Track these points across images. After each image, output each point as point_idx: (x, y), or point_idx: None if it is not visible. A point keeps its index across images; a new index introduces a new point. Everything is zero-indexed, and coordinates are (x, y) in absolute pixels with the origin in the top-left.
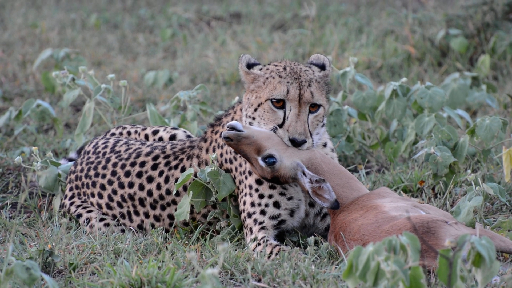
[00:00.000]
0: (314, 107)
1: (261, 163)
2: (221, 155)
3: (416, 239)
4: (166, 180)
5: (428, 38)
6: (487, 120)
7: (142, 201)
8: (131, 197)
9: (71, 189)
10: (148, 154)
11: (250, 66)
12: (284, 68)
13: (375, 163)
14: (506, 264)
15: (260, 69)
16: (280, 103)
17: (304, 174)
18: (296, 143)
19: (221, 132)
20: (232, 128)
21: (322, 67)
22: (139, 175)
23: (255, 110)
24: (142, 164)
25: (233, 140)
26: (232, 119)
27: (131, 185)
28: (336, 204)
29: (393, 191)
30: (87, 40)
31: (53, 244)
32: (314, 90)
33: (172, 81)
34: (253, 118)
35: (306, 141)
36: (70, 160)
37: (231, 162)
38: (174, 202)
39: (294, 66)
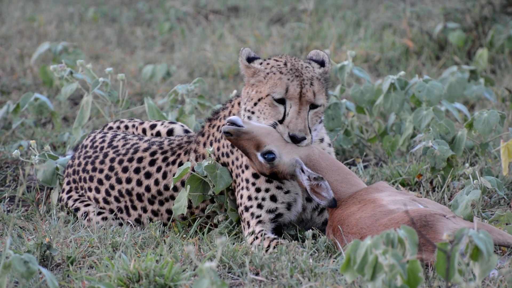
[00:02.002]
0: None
1: (260, 158)
2: (218, 149)
3: (414, 232)
4: (164, 175)
5: (426, 32)
6: (485, 114)
7: (140, 196)
8: (129, 193)
9: (68, 183)
10: (145, 149)
11: (250, 59)
12: (285, 64)
13: (373, 157)
14: (504, 258)
15: (261, 64)
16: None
17: (302, 171)
18: (296, 140)
19: (219, 126)
20: (232, 123)
21: (321, 63)
22: (137, 171)
23: (255, 104)
24: (140, 159)
25: (233, 135)
26: (230, 112)
27: (128, 180)
28: (333, 203)
29: (391, 185)
30: (85, 33)
31: (51, 237)
32: (316, 89)
33: (170, 74)
34: (252, 113)
35: (305, 138)
36: None
37: (228, 156)
38: (173, 198)
39: (295, 62)
